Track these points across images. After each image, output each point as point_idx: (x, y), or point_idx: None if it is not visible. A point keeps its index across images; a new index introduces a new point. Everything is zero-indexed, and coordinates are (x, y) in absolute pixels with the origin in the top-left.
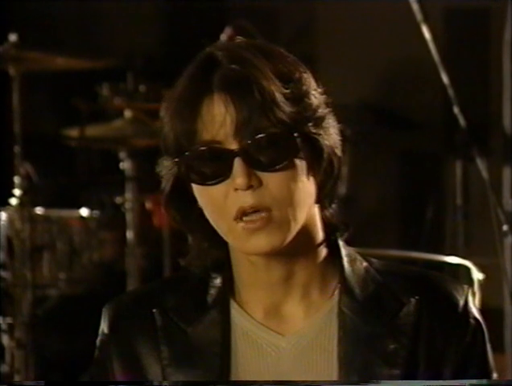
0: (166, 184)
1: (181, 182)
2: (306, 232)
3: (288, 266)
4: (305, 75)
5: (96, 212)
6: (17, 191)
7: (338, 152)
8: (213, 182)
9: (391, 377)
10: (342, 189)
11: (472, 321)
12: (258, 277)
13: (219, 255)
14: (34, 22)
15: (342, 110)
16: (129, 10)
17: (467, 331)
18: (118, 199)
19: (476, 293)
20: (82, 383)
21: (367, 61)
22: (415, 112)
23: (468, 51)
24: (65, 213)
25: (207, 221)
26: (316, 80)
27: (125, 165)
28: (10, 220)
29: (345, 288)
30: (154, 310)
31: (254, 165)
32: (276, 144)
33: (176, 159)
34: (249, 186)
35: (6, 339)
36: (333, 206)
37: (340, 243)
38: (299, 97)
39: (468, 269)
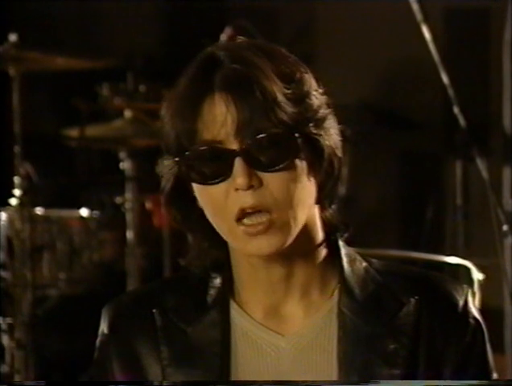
0: (166, 183)
1: (181, 182)
2: (306, 232)
3: (288, 266)
4: (306, 76)
5: (96, 212)
6: (17, 191)
7: (338, 152)
8: (214, 181)
9: (391, 377)
10: (342, 189)
11: (471, 321)
12: (257, 277)
13: (219, 255)
14: (34, 22)
15: (342, 110)
16: (129, 10)
17: (467, 331)
18: (118, 199)
19: (476, 293)
20: (82, 383)
21: (367, 61)
22: (415, 113)
23: (468, 51)
24: (65, 213)
25: (207, 221)
26: (317, 81)
27: (125, 165)
28: (10, 220)
29: (345, 288)
30: (154, 311)
31: (255, 165)
32: (277, 144)
33: (177, 159)
34: (250, 187)
35: (6, 339)
36: (333, 206)
37: (340, 243)
38: (300, 98)
39: (468, 270)
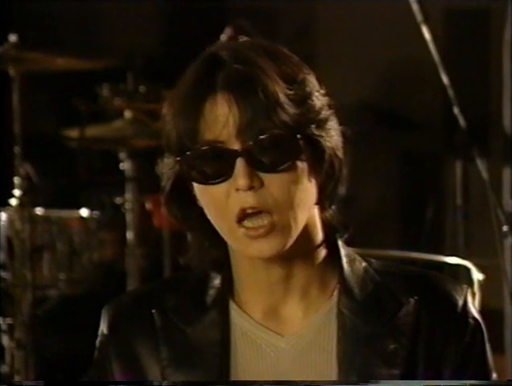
0: (167, 182)
1: (182, 181)
2: (306, 233)
3: (287, 267)
4: (309, 77)
5: (96, 213)
6: (17, 192)
7: (340, 154)
8: (215, 181)
9: (390, 377)
10: (342, 189)
11: (471, 321)
12: (257, 277)
13: (218, 254)
14: (34, 22)
15: (342, 110)
16: (129, 10)
17: (466, 331)
18: (118, 200)
19: (476, 293)
20: (82, 383)
21: (367, 61)
22: (415, 113)
23: (469, 51)
24: (65, 213)
25: (207, 220)
26: (319, 82)
27: (125, 165)
28: (10, 221)
29: (344, 288)
30: (153, 311)
31: (256, 166)
32: (279, 145)
33: (178, 158)
34: (251, 187)
35: (6, 340)
36: (333, 207)
37: (340, 243)
38: (302, 99)
39: (468, 270)
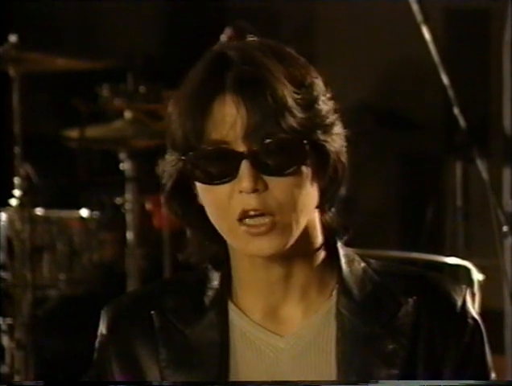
0: (169, 180)
1: (184, 179)
2: (306, 234)
3: (287, 266)
4: (316, 81)
5: (96, 213)
6: (17, 192)
7: (343, 158)
8: (219, 182)
9: (389, 377)
10: (342, 191)
11: (470, 321)
12: (256, 276)
13: (218, 251)
14: (34, 22)
15: (342, 111)
16: (129, 10)
17: (465, 331)
18: (118, 200)
19: (476, 294)
20: (82, 383)
21: (367, 61)
22: (415, 113)
23: (469, 51)
24: (65, 214)
25: (207, 218)
26: (326, 85)
27: (126, 166)
28: (10, 221)
29: (343, 288)
30: (152, 312)
31: (261, 169)
32: (285, 150)
33: (183, 157)
34: (255, 190)
35: (6, 340)
36: (333, 209)
37: (339, 244)
38: (309, 103)
39: (468, 270)
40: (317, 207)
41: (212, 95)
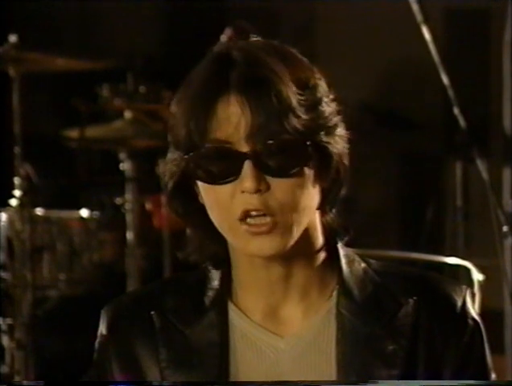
0: (170, 178)
1: (186, 178)
2: (306, 235)
3: (287, 266)
4: (320, 82)
5: (96, 213)
6: (17, 192)
7: (345, 160)
8: (221, 182)
9: (389, 378)
10: (343, 193)
11: (470, 321)
12: (256, 275)
13: (218, 251)
14: (34, 22)
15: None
16: (129, 10)
17: (465, 332)
18: (118, 200)
19: (476, 294)
20: (82, 383)
21: (367, 61)
22: (415, 113)
23: (469, 51)
24: (65, 214)
25: (208, 217)
26: (329, 87)
27: (125, 166)
28: (10, 221)
29: (343, 289)
30: (152, 312)
31: (264, 169)
32: (288, 151)
33: (186, 156)
34: (258, 190)
35: (6, 340)
36: (333, 210)
37: (339, 244)
38: (313, 105)
39: (468, 270)
40: (318, 208)
41: (216, 95)
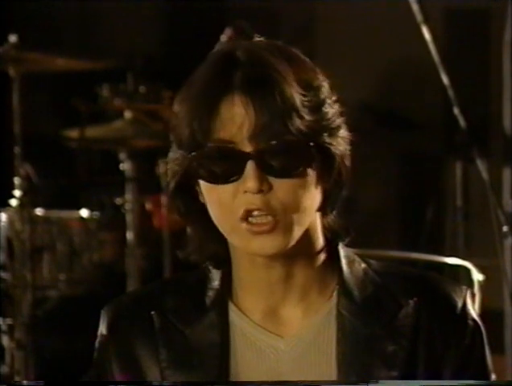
0: (173, 177)
1: (188, 177)
2: (307, 236)
3: (288, 266)
4: (323, 84)
5: (96, 213)
6: (17, 192)
7: (347, 161)
8: (224, 181)
9: (390, 379)
10: (344, 194)
11: (470, 322)
12: (257, 275)
13: (219, 251)
14: (34, 22)
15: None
16: (129, 10)
17: (465, 333)
18: (118, 200)
19: (476, 294)
20: (82, 383)
21: (367, 61)
22: (415, 113)
23: (469, 51)
24: (65, 214)
25: (209, 217)
26: (331, 88)
27: (125, 166)
28: (10, 221)
29: (344, 289)
30: (152, 312)
31: (267, 170)
32: (291, 152)
33: (189, 155)
34: (260, 190)
35: (6, 340)
36: (334, 212)
37: (340, 245)
38: (317, 106)
39: (468, 270)
40: (319, 209)
41: (220, 95)
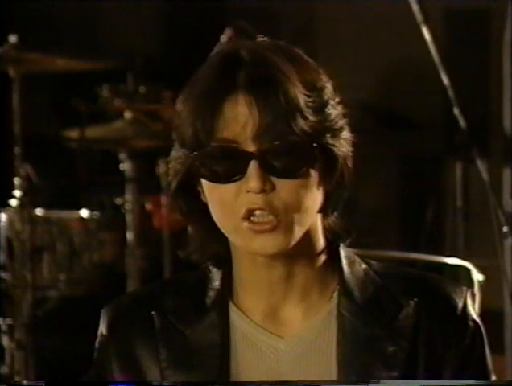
0: (175, 176)
1: (190, 176)
2: (308, 236)
3: (289, 266)
4: (327, 85)
5: (96, 213)
6: (17, 192)
7: (349, 163)
8: (226, 180)
9: (390, 379)
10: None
11: (470, 323)
12: (258, 275)
13: (220, 250)
14: (34, 23)
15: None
16: (129, 10)
17: (466, 334)
18: (118, 200)
19: (477, 294)
20: (82, 383)
21: (367, 61)
22: (415, 113)
23: (469, 51)
24: (65, 214)
25: (210, 217)
26: (334, 90)
27: (125, 166)
28: (10, 221)
29: (344, 290)
30: (153, 313)
31: (269, 170)
32: (294, 152)
33: (192, 154)
34: (263, 190)
35: (6, 340)
36: (335, 213)
37: (340, 245)
38: (320, 107)
39: (468, 271)
40: (320, 210)
41: (223, 94)
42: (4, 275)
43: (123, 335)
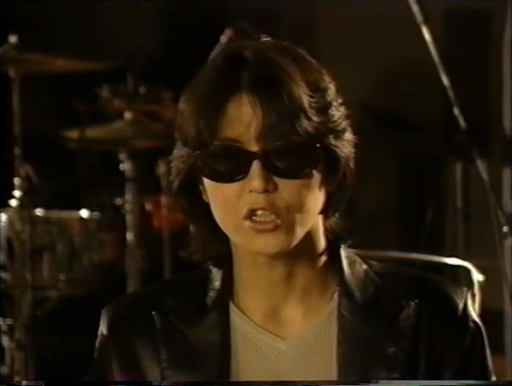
0: (177, 175)
1: (192, 175)
2: (309, 237)
3: (290, 267)
4: (330, 86)
5: (96, 214)
6: (17, 193)
7: (351, 164)
8: (229, 180)
9: (390, 380)
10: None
11: (471, 324)
12: (259, 275)
13: (221, 249)
14: (34, 23)
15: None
16: (129, 10)
17: (466, 335)
18: (118, 201)
19: (477, 294)
20: (82, 383)
21: (367, 62)
22: (415, 114)
23: (469, 52)
24: (65, 214)
25: (212, 216)
26: (337, 91)
27: (125, 166)
28: (10, 222)
29: (345, 291)
30: (153, 313)
31: (272, 170)
32: (297, 153)
33: (194, 153)
34: (265, 190)
35: (6, 341)
36: (336, 214)
37: (341, 246)
38: (324, 108)
39: (468, 271)
40: (322, 211)
41: (227, 94)
42: (4, 275)
43: (123, 335)
